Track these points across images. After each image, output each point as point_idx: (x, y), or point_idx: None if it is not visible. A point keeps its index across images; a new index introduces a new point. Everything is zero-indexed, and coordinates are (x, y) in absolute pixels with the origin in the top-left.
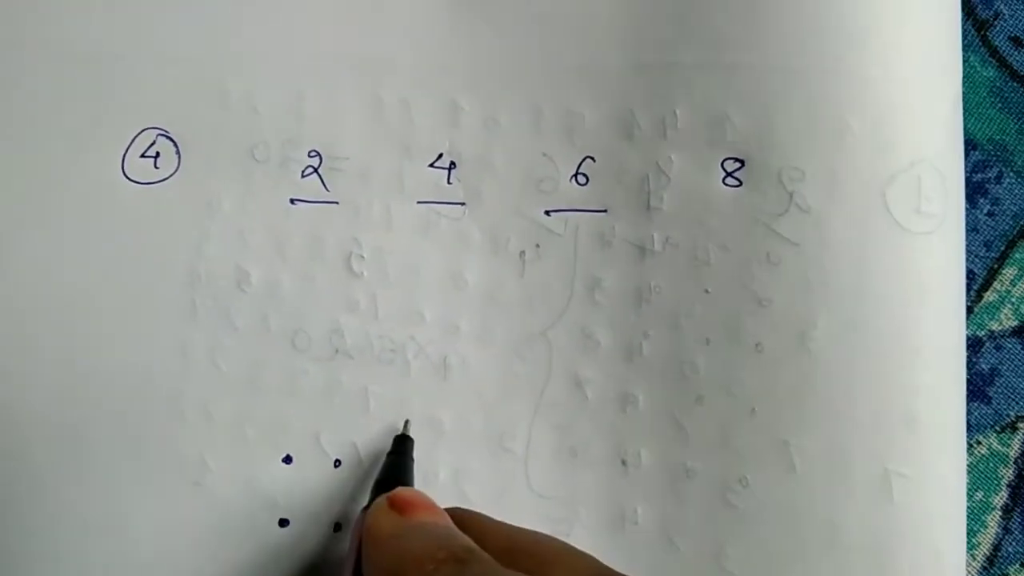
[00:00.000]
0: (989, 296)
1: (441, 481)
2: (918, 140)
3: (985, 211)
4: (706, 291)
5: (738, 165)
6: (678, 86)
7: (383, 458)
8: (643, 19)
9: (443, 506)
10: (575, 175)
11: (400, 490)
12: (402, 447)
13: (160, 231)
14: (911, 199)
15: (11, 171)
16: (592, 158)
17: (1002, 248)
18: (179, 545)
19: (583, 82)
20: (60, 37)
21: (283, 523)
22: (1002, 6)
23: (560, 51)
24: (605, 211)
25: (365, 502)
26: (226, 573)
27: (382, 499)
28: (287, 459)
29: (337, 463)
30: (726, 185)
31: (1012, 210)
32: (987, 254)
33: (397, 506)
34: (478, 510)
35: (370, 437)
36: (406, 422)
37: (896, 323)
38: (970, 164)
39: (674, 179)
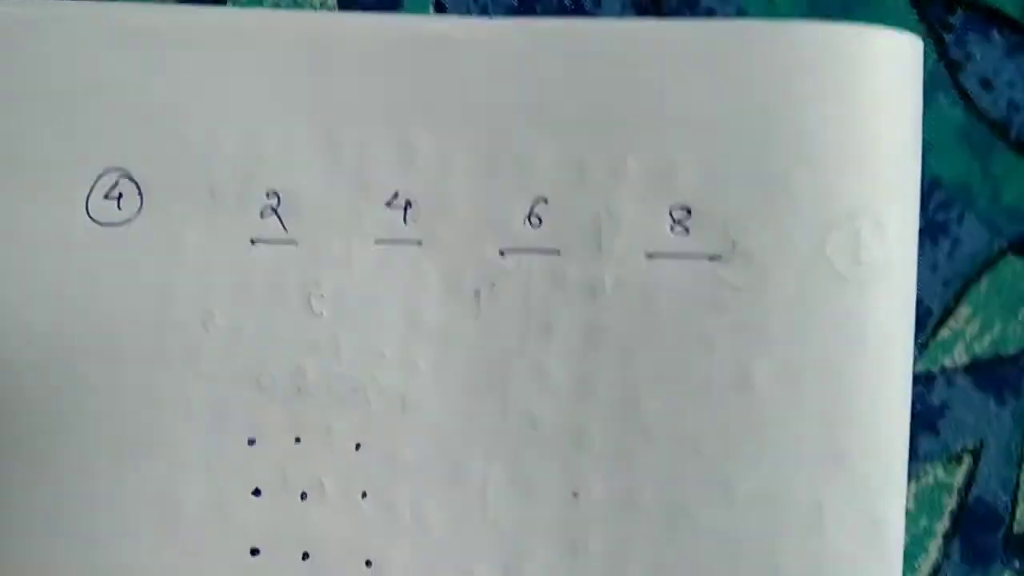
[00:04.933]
0: (944, 333)
1: (403, 512)
2: (859, 191)
3: (945, 251)
4: (655, 332)
5: (685, 213)
6: (629, 135)
7: None
8: (595, 69)
9: (405, 539)
10: (528, 216)
11: None
12: None
13: (126, 273)
14: (850, 249)
15: None
16: (545, 200)
17: (959, 287)
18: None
19: (537, 126)
20: (17, 77)
21: (254, 552)
22: (974, 49)
23: (514, 96)
24: (558, 252)
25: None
26: None
27: None
28: (256, 492)
29: (303, 496)
30: (673, 232)
31: (971, 250)
32: (944, 292)
33: None
34: (438, 538)
35: (336, 472)
36: None
37: (834, 366)
38: (933, 204)
39: (624, 224)
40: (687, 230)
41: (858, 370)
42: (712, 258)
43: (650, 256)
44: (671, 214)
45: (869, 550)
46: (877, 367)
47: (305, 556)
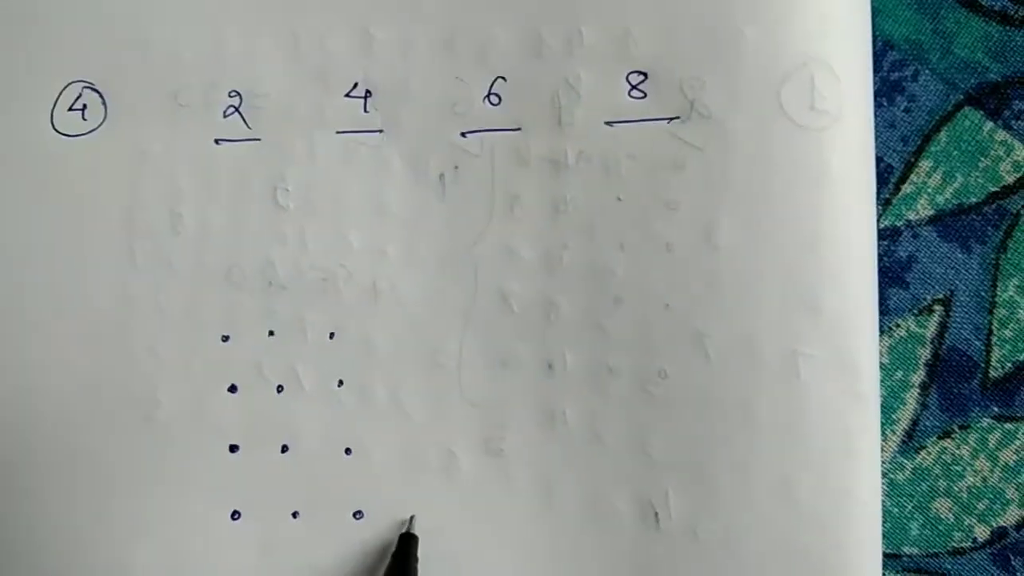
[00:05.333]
0: (906, 188)
1: (380, 398)
2: (809, 41)
3: (902, 108)
4: (618, 199)
5: (642, 78)
6: (582, 5)
7: (388, 559)
8: None
9: (383, 425)
10: (488, 96)
11: None
12: (406, 548)
13: (93, 181)
14: (804, 97)
15: None
16: (503, 78)
17: (918, 142)
18: (134, 477)
19: (491, 4)
20: None
21: (233, 448)
22: None
23: None
24: (519, 129)
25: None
26: (180, 500)
27: None
28: (232, 388)
29: (279, 389)
30: (631, 98)
31: (927, 106)
32: (904, 148)
33: None
34: (417, 421)
35: (311, 363)
36: (410, 519)
37: (797, 215)
38: (888, 63)
39: (583, 95)
40: (645, 94)
41: (821, 218)
42: (670, 120)
43: (610, 124)
44: (628, 80)
45: (846, 395)
46: (840, 214)
47: (284, 449)
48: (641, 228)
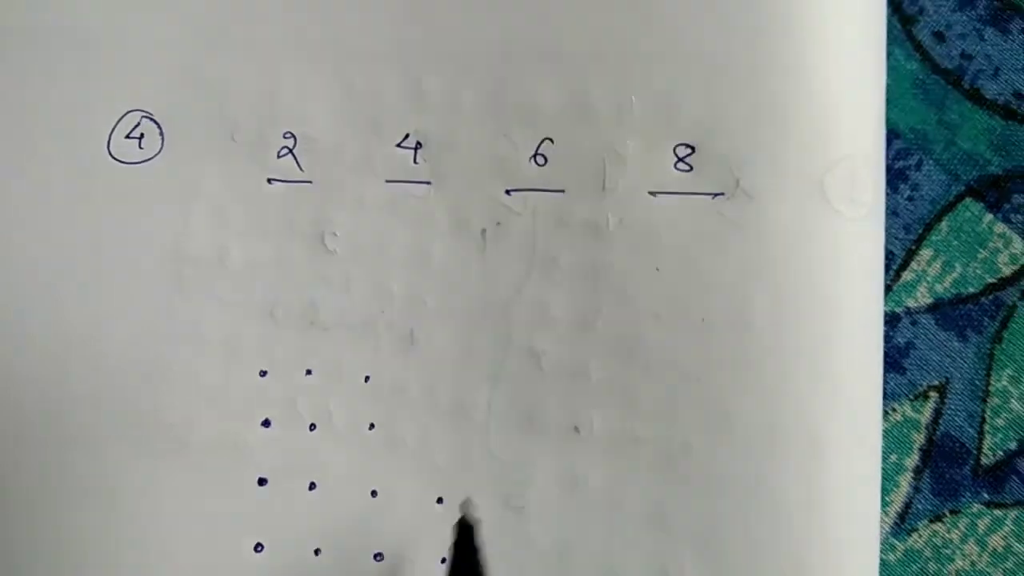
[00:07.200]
0: (907, 275)
1: (408, 444)
2: (853, 132)
3: (905, 196)
4: (656, 269)
5: (689, 151)
6: (634, 73)
7: (451, 550)
8: (603, 7)
9: (410, 470)
10: (534, 156)
11: None
12: (467, 537)
13: (145, 208)
14: (847, 187)
15: None
16: (551, 140)
17: (920, 231)
18: (160, 501)
19: (544, 66)
20: (46, 20)
21: (262, 482)
22: (926, 3)
23: (522, 35)
24: (563, 191)
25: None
26: (204, 527)
27: None
28: (266, 422)
29: (312, 427)
30: (677, 170)
31: (930, 195)
32: (906, 236)
33: None
34: (442, 470)
35: (344, 404)
36: (466, 501)
37: (827, 301)
38: (892, 152)
39: (629, 162)
40: (691, 168)
41: (847, 304)
42: (715, 196)
43: (653, 194)
44: (675, 152)
45: (860, 480)
46: (864, 302)
47: (312, 486)
48: (677, 300)
